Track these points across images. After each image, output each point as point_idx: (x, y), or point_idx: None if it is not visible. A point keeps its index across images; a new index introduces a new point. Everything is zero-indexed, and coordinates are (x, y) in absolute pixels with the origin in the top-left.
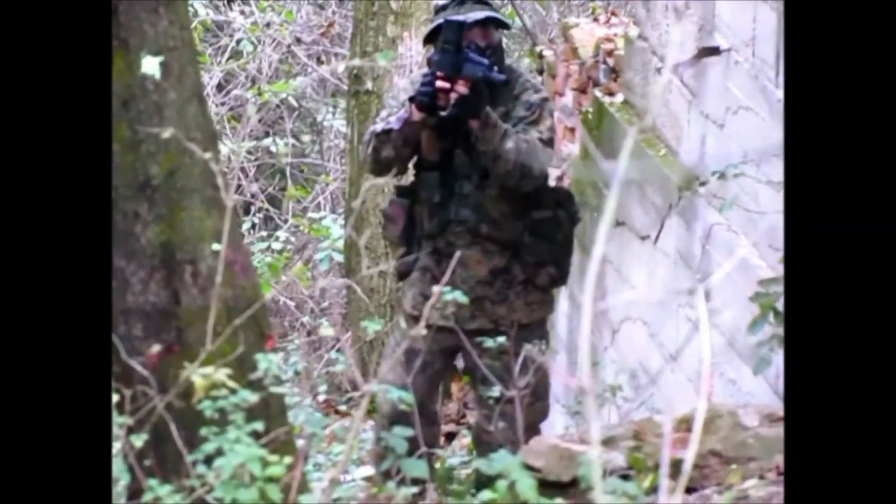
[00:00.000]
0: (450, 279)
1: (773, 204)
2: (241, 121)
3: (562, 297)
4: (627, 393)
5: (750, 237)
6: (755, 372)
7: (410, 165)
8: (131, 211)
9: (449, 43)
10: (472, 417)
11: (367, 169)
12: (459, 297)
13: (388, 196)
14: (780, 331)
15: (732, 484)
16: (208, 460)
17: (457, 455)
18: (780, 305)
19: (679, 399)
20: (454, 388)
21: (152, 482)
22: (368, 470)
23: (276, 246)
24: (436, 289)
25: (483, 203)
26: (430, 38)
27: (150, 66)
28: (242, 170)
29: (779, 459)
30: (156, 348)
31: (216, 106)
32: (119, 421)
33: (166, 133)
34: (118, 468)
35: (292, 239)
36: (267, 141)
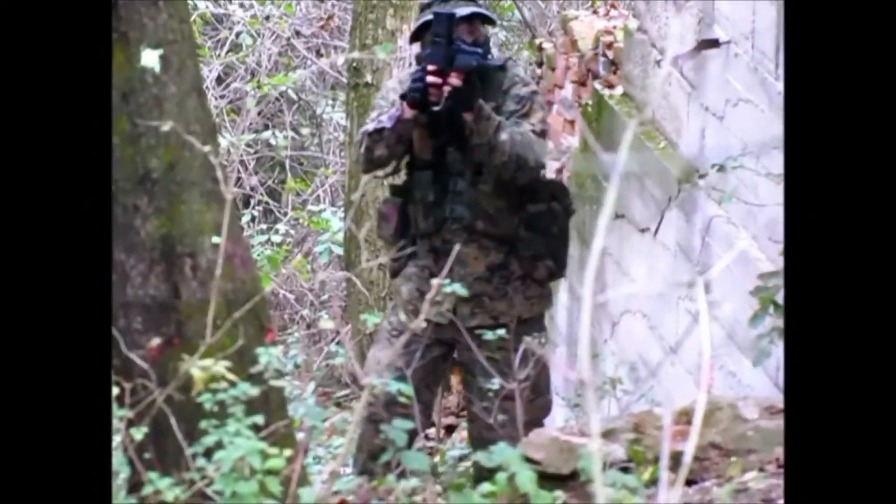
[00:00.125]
0: (448, 277)
1: (772, 196)
2: (241, 114)
3: (562, 290)
4: (627, 385)
5: (749, 230)
6: (755, 364)
7: (403, 164)
8: (131, 204)
9: (440, 36)
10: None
11: (361, 169)
12: (458, 289)
13: (387, 189)
14: (780, 323)
15: (732, 476)
16: (208, 453)
17: (457, 447)
18: (780, 298)
19: (679, 391)
20: (454, 380)
21: (152, 475)
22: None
23: (276, 239)
24: (434, 282)
25: (478, 199)
26: (416, 37)
27: (150, 59)
28: (242, 163)
29: (779, 452)
30: (155, 341)
31: (216, 99)
32: (119, 414)
33: (166, 126)
34: (118, 461)
35: (292, 232)
36: (266, 134)
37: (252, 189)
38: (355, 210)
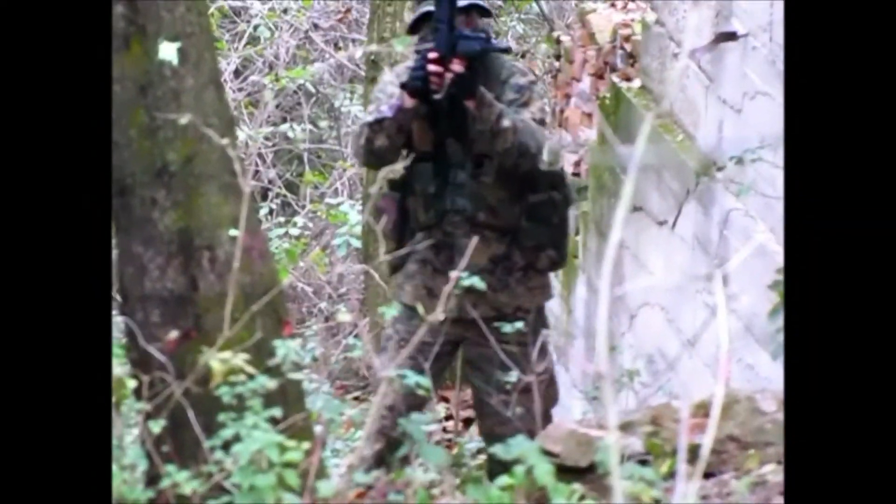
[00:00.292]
0: (450, 269)
1: None
2: (259, 107)
3: (579, 283)
4: (645, 378)
5: (767, 222)
6: (773, 357)
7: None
8: (149, 197)
9: (441, 22)
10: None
11: (361, 161)
12: (477, 282)
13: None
14: None
15: (750, 469)
16: (226, 446)
17: (475, 441)
18: None
19: (696, 384)
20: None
21: (170, 468)
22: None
23: (294, 232)
24: (452, 274)
25: (479, 191)
26: (413, 29)
27: (168, 52)
28: (260, 156)
29: None
30: (173, 334)
31: (233, 92)
32: (137, 407)
33: (184, 119)
34: (135, 454)
35: (310, 225)
36: (284, 127)
37: (270, 182)
38: (373, 203)
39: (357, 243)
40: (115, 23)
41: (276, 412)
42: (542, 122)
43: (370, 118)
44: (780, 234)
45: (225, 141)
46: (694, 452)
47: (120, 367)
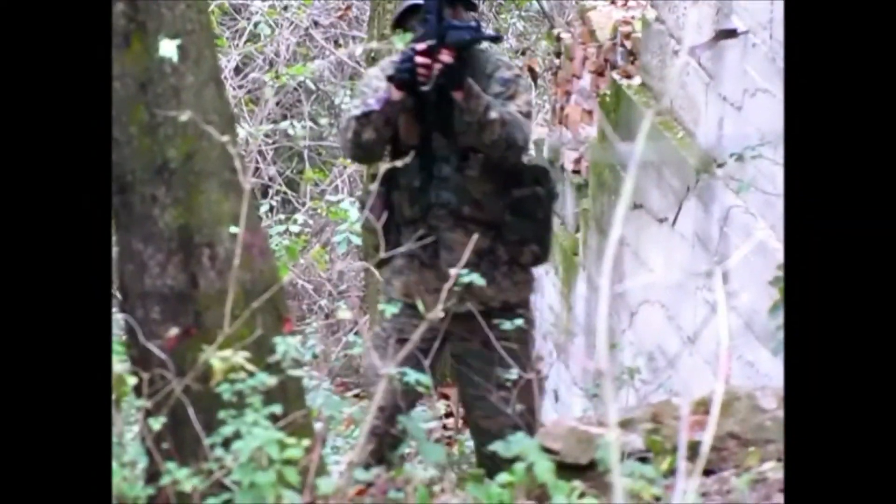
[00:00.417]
0: (435, 263)
1: None
2: (259, 104)
3: (580, 280)
4: (645, 375)
5: (767, 219)
6: (774, 353)
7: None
8: (149, 194)
9: (430, 12)
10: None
11: (348, 155)
12: (477, 279)
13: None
14: None
15: (750, 466)
16: (226, 443)
17: None
18: None
19: (697, 381)
20: None
21: (170, 465)
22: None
23: (294, 229)
24: (452, 271)
25: (464, 185)
26: (398, 23)
27: (168, 49)
28: (260, 153)
29: None
30: (173, 331)
31: (234, 89)
32: (137, 404)
33: (184, 116)
34: (135, 451)
35: (310, 222)
36: (284, 124)
37: (270, 179)
38: (371, 199)
39: (357, 240)
40: (115, 20)
41: (277, 409)
42: (527, 116)
43: (357, 112)
44: (781, 231)
45: (225, 138)
46: (694, 449)
47: (120, 365)
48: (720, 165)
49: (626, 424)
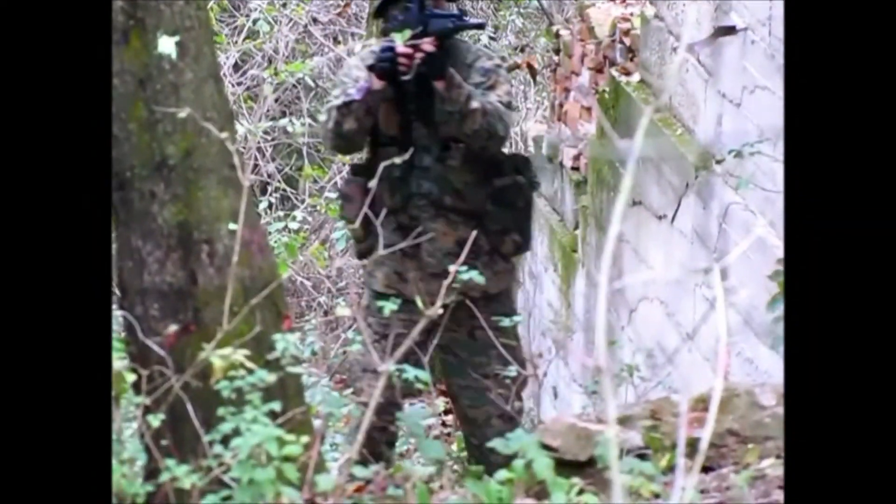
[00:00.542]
0: (417, 253)
1: None
2: (258, 101)
3: (579, 276)
4: (644, 372)
5: (766, 216)
6: (772, 348)
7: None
8: (148, 191)
9: (411, 1)
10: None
11: (329, 146)
12: (476, 276)
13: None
14: None
15: (749, 463)
16: (225, 440)
17: None
18: None
19: (696, 378)
20: None
21: (169, 462)
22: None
23: (293, 226)
24: (452, 268)
25: (445, 174)
26: (378, 13)
27: (167, 45)
28: (259, 150)
29: None
30: (172, 328)
31: (232, 86)
32: (136, 401)
33: (183, 113)
34: (135, 448)
35: (309, 219)
36: (283, 121)
37: (269, 176)
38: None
39: None
40: (114, 17)
41: (276, 406)
42: (508, 106)
43: (338, 101)
44: (780, 228)
45: (224, 135)
46: (693, 446)
47: (119, 361)
48: (719, 162)
49: (625, 421)
